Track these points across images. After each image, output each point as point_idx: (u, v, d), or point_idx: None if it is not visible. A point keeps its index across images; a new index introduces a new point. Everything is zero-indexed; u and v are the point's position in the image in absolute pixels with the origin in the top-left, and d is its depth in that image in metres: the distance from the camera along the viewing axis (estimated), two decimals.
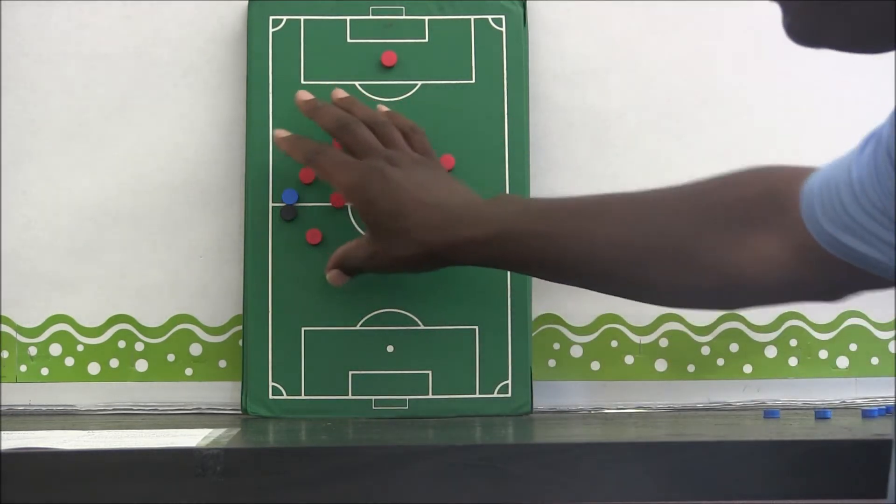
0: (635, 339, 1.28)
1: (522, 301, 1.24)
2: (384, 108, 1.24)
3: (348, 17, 1.27)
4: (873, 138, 0.92)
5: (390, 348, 1.23)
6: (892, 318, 1.29)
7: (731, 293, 1.05)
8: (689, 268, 1.04)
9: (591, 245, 1.07)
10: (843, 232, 0.94)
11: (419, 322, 1.23)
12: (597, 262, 1.08)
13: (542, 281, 1.25)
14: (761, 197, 1.02)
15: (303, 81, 1.26)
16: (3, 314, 1.27)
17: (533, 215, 1.10)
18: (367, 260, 1.18)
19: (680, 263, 1.04)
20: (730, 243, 1.03)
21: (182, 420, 1.21)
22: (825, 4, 0.76)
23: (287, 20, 1.27)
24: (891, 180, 0.89)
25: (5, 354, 1.26)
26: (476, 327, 1.23)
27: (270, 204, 1.24)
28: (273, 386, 1.22)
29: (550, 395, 1.27)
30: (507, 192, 1.24)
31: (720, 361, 1.28)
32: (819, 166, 0.99)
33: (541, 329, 1.28)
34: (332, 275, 1.20)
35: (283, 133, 1.21)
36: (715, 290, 1.04)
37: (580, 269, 1.09)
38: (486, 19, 1.27)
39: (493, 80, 1.26)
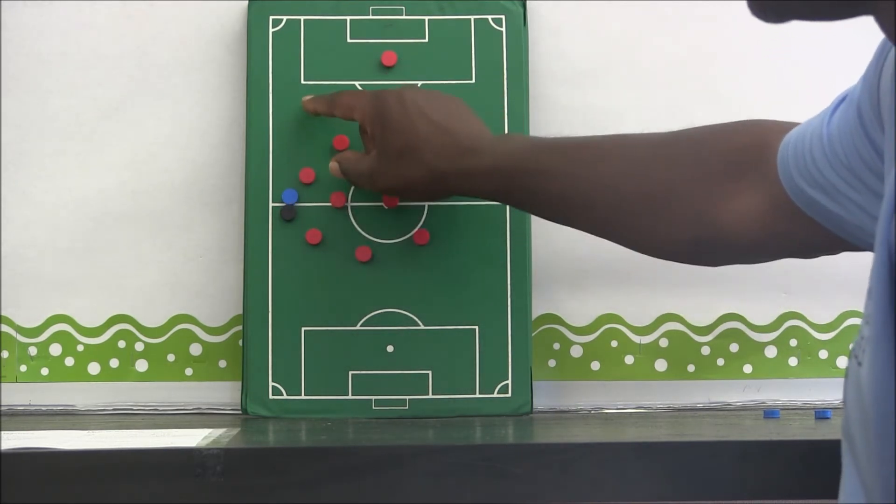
0: (635, 339, 1.28)
1: (522, 301, 1.24)
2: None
3: (348, 17, 1.27)
4: (845, 98, 0.93)
5: (390, 348, 1.23)
6: None
7: (707, 246, 1.05)
8: (672, 216, 1.05)
9: (589, 185, 1.09)
10: (813, 188, 0.95)
11: (419, 322, 1.23)
12: (592, 203, 1.09)
13: (543, 281, 1.25)
14: (749, 147, 1.03)
15: (303, 81, 1.26)
16: (3, 314, 1.27)
17: (538, 151, 1.12)
18: (368, 176, 1.19)
19: (665, 211, 1.05)
20: (714, 193, 1.03)
21: (182, 420, 1.21)
22: None
23: (287, 20, 1.27)
24: (858, 137, 0.90)
25: (5, 354, 1.26)
26: (476, 327, 1.23)
27: (270, 204, 1.24)
28: (273, 386, 1.22)
29: (550, 395, 1.27)
30: None
31: (720, 361, 1.28)
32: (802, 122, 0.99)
33: (541, 329, 1.28)
34: (333, 166, 1.21)
35: (307, 97, 1.23)
36: (692, 241, 1.05)
37: (576, 208, 1.10)
38: (486, 19, 1.27)
39: (493, 80, 1.26)
